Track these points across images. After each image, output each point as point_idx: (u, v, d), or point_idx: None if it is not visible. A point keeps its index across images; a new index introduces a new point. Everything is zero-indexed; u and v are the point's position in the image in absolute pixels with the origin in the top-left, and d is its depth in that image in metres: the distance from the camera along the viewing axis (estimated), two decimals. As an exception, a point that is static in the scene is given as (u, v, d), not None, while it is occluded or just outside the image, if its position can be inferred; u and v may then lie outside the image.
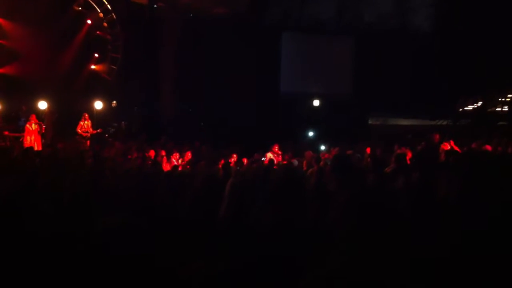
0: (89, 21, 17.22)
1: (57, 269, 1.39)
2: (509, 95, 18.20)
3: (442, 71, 17.87)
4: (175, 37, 17.80)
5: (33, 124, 12.51)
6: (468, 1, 16.63)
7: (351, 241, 1.51)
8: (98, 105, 15.32)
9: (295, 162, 9.06)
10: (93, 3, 17.03)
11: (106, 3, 17.05)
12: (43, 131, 13.00)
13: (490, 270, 1.53)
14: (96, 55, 17.73)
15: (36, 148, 11.66)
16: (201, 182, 3.60)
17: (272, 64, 19.04)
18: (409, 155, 7.07)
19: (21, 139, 12.82)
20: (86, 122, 13.66)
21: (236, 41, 17.18)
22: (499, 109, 18.92)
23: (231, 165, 8.27)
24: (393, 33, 19.14)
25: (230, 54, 17.40)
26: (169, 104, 17.97)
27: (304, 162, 8.48)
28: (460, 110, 19.52)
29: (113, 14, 17.25)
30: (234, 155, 10.94)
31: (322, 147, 13.09)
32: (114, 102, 17.65)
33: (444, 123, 18.21)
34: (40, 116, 13.50)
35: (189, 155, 11.24)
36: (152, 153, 10.78)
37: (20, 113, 14.45)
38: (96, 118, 14.86)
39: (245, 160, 10.32)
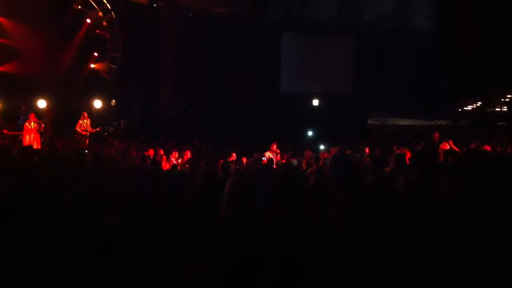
0: (88, 20, 17.19)
1: (56, 268, 1.39)
2: (508, 96, 18.20)
3: (442, 71, 17.88)
4: (174, 36, 17.79)
5: (32, 123, 12.51)
6: (468, 1, 16.62)
7: (351, 241, 1.51)
8: (97, 104, 15.31)
9: (294, 161, 9.07)
10: (92, 2, 17.00)
11: (106, 2, 17.02)
12: (42, 129, 12.99)
13: (490, 270, 1.53)
14: (96, 54, 17.71)
15: (35, 147, 11.65)
16: (201, 182, 3.59)
17: (272, 64, 19.03)
18: (408, 155, 7.08)
19: (20, 138, 12.81)
20: (85, 121, 13.66)
21: (236, 41, 17.17)
22: (499, 109, 18.92)
23: (231, 164, 8.27)
24: (393, 33, 19.15)
25: (230, 54, 17.39)
26: (168, 103, 17.96)
27: (304, 162, 8.49)
28: (460, 110, 19.52)
29: (112, 13, 17.23)
30: (234, 155, 10.96)
31: (322, 147, 13.10)
32: (114, 101, 17.63)
33: (444, 123, 18.21)
34: (40, 115, 13.49)
35: (188, 154, 11.26)
36: (151, 152, 10.80)
37: (20, 112, 14.43)
38: (95, 117, 14.86)
39: (244, 160, 10.33)
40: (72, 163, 6.28)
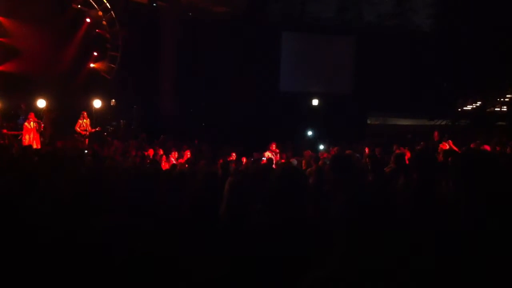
0: (88, 20, 17.19)
1: (56, 268, 1.39)
2: (508, 95, 18.21)
3: (442, 71, 17.88)
4: (174, 36, 17.79)
5: (32, 122, 12.50)
6: (468, 1, 16.62)
7: (351, 241, 1.51)
8: (97, 103, 15.31)
9: (294, 161, 9.07)
10: (92, 2, 16.99)
11: (106, 1, 17.01)
12: (42, 129, 12.98)
13: (489, 270, 1.53)
14: (95, 53, 17.70)
15: (35, 147, 11.65)
16: (200, 181, 3.60)
17: (272, 63, 19.02)
18: (408, 155, 7.08)
19: (19, 137, 12.80)
20: (84, 120, 13.65)
21: (235, 40, 17.17)
22: (498, 109, 18.93)
23: (230, 164, 8.27)
24: (393, 33, 19.15)
25: (230, 53, 17.39)
26: (168, 103, 17.96)
27: (303, 162, 8.48)
28: (459, 110, 19.52)
29: (112, 12, 17.22)
30: (233, 154, 10.96)
31: (321, 147, 13.10)
32: (113, 100, 17.62)
33: (443, 123, 18.21)
34: (39, 114, 13.48)
35: (188, 154, 11.26)
36: (151, 152, 10.80)
37: (19, 111, 14.43)
38: (95, 116, 14.85)
39: (244, 159, 10.34)
40: (71, 163, 6.28)
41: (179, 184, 4.20)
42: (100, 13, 17.26)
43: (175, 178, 4.67)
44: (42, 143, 12.70)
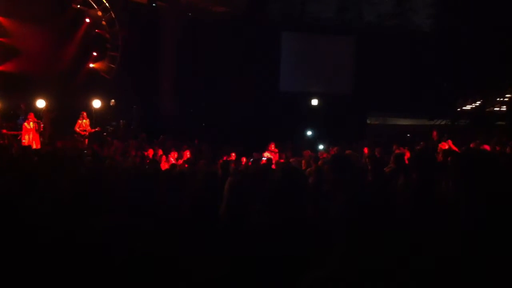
0: (87, 20, 17.17)
1: (55, 269, 1.39)
2: (507, 95, 18.21)
3: (442, 71, 17.87)
4: (174, 36, 17.78)
5: (31, 123, 12.50)
6: (468, 1, 16.62)
7: (351, 241, 1.51)
8: (97, 103, 15.31)
9: (294, 161, 9.06)
10: (91, 2, 16.98)
11: (105, 1, 17.00)
12: (41, 129, 12.98)
13: (489, 271, 1.53)
14: (95, 53, 17.69)
15: (34, 147, 11.65)
16: (201, 181, 3.60)
17: (272, 63, 19.01)
18: (407, 155, 7.08)
19: (19, 138, 12.80)
20: (84, 120, 13.65)
21: (235, 40, 17.16)
22: (498, 109, 18.93)
23: (230, 164, 8.27)
24: (393, 33, 19.14)
25: (230, 53, 17.38)
26: (168, 103, 17.95)
27: (303, 162, 8.47)
28: (459, 110, 19.52)
29: (112, 12, 17.20)
30: (233, 154, 10.96)
31: (321, 147, 13.10)
32: (113, 100, 17.61)
33: (443, 122, 18.21)
34: (39, 115, 13.48)
35: (187, 154, 11.25)
36: (150, 152, 10.79)
37: (19, 111, 14.42)
38: (95, 116, 14.85)
39: (243, 159, 10.34)
40: (71, 163, 6.28)
41: (179, 184, 4.20)
42: (100, 13, 17.25)
43: (175, 178, 4.67)
44: (42, 144, 12.69)
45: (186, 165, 9.88)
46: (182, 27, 17.71)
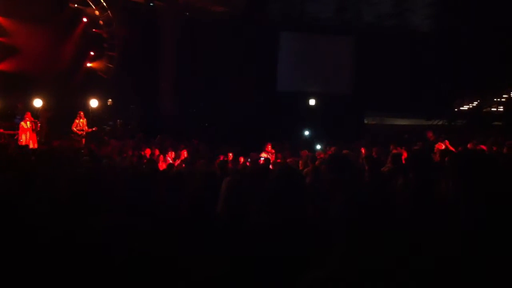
0: (85, 19, 17.13)
1: (54, 268, 1.38)
2: (504, 96, 18.30)
3: (441, 71, 17.93)
4: (172, 35, 17.75)
5: (28, 122, 12.46)
6: (468, 1, 16.67)
7: (350, 241, 1.51)
8: (94, 103, 15.27)
9: (291, 161, 9.05)
10: (89, 1, 16.94)
11: (102, 1, 16.96)
12: (38, 129, 12.94)
13: (488, 270, 1.53)
14: (92, 53, 17.65)
15: (31, 146, 11.61)
16: (199, 181, 3.59)
17: (271, 63, 19.01)
18: (405, 155, 7.09)
19: (16, 137, 12.76)
20: (81, 120, 13.60)
21: (234, 40, 17.14)
22: (495, 109, 19.02)
23: (227, 164, 8.27)
24: (392, 33, 19.17)
25: (228, 53, 17.37)
26: (167, 102, 17.93)
27: (300, 162, 8.47)
28: (456, 110, 19.59)
29: (109, 12, 17.17)
30: (230, 154, 10.96)
31: (318, 147, 13.10)
32: (110, 100, 17.58)
33: (440, 123, 18.27)
34: (36, 114, 13.44)
35: (184, 153, 11.24)
36: (147, 151, 10.77)
37: (16, 111, 14.37)
38: (92, 116, 14.81)
39: (241, 159, 10.34)
40: (69, 162, 6.26)
41: (178, 184, 4.19)
42: (97, 12, 17.21)
43: (173, 177, 4.66)
44: (39, 143, 12.65)
45: (184, 165, 9.86)
46: (181, 26, 17.68)
